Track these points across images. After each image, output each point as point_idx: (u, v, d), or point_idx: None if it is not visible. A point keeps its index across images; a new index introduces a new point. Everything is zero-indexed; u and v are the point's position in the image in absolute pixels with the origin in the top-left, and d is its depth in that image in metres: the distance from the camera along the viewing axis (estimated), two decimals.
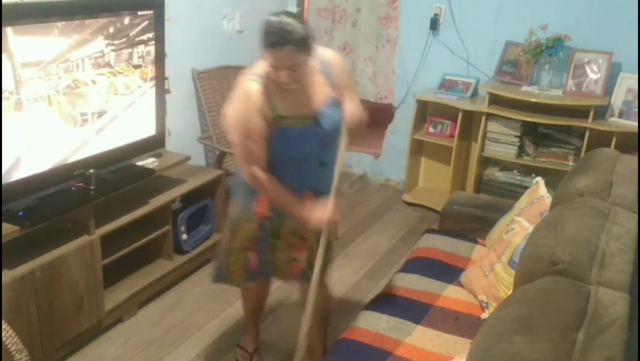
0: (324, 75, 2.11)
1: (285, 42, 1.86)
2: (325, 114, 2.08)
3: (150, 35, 2.85)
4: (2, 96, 2.19)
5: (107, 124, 2.73)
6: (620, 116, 3.68)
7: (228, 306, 3.05)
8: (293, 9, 4.73)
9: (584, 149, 3.67)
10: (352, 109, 2.14)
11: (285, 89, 1.98)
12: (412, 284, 2.48)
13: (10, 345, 1.79)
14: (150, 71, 2.91)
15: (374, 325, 2.19)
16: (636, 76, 3.65)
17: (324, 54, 2.14)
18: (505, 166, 4.12)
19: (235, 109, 2.02)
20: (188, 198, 3.28)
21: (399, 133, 4.56)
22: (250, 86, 2.00)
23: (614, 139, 3.56)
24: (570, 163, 3.78)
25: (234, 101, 2.04)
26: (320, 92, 2.09)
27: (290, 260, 2.31)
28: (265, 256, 2.30)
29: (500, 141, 3.97)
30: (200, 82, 3.76)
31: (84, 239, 2.58)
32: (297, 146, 2.08)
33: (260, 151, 2.03)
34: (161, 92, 3.04)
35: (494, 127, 3.97)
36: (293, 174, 2.13)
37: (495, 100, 3.92)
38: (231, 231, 2.29)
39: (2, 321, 1.79)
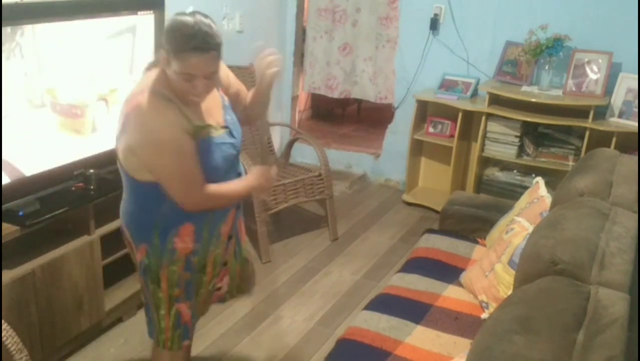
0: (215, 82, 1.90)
1: (209, 46, 1.64)
2: (230, 121, 1.90)
3: (151, 35, 2.84)
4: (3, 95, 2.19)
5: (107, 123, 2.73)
6: (620, 116, 3.68)
7: (228, 305, 3.05)
8: (293, 9, 4.73)
9: (584, 149, 3.67)
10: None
11: (189, 100, 1.74)
12: (412, 284, 2.48)
13: (10, 345, 1.79)
14: None
15: (374, 325, 2.19)
16: (636, 76, 3.65)
17: None
18: (505, 166, 4.12)
19: (155, 132, 1.70)
20: None
21: (399, 133, 4.56)
22: (157, 102, 1.70)
23: (614, 139, 3.56)
24: (570, 163, 3.78)
25: (144, 127, 1.71)
26: (216, 99, 1.89)
27: (211, 291, 2.10)
28: (195, 301, 2.03)
29: (500, 141, 3.97)
30: None
31: (84, 239, 2.58)
32: (221, 158, 1.84)
33: (197, 168, 1.77)
34: None
35: (494, 127, 3.97)
36: None
37: (495, 100, 3.92)
38: (152, 281, 1.93)
39: (2, 321, 1.79)
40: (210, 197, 1.82)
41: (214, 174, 1.81)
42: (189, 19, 1.64)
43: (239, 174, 1.95)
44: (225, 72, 1.97)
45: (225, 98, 1.94)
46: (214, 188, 1.82)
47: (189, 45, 1.61)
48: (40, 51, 2.33)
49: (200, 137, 1.77)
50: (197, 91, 1.70)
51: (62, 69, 2.46)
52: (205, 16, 1.69)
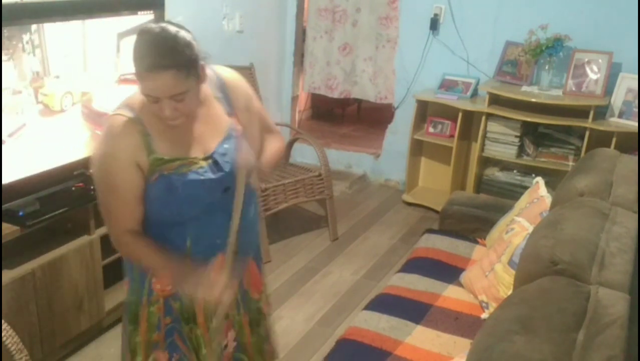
0: (221, 102, 1.63)
1: (166, 64, 1.39)
2: (223, 152, 1.59)
3: None
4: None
5: None
6: (620, 116, 3.68)
7: None
8: (293, 9, 4.73)
9: (584, 149, 3.67)
10: (247, 146, 1.61)
11: (169, 125, 1.51)
12: (412, 284, 2.48)
13: (10, 345, 1.79)
14: None
15: (374, 325, 2.19)
16: (636, 76, 3.65)
17: (220, 75, 1.67)
18: (505, 166, 4.12)
19: (97, 154, 1.54)
20: None
21: (399, 133, 4.56)
22: (117, 123, 1.51)
23: (614, 139, 3.56)
24: (570, 163, 3.77)
25: (96, 149, 1.57)
26: (217, 124, 1.61)
27: (219, 352, 1.77)
28: (186, 358, 1.74)
29: (500, 141, 3.97)
30: None
31: (84, 239, 2.58)
32: (191, 198, 1.56)
33: (127, 209, 1.56)
34: None
35: (494, 127, 3.97)
36: (195, 235, 1.62)
37: (495, 100, 3.92)
38: (130, 321, 1.73)
39: (2, 321, 1.79)
40: (129, 246, 1.61)
41: (183, 214, 1.58)
42: (151, 32, 1.42)
43: (230, 216, 1.60)
44: (239, 94, 1.68)
45: (236, 125, 1.64)
46: (140, 241, 1.59)
47: (143, 63, 1.40)
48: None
49: (162, 171, 1.53)
50: (164, 114, 1.46)
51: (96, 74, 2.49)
52: (180, 27, 1.46)
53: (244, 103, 1.68)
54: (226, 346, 1.79)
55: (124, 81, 2.70)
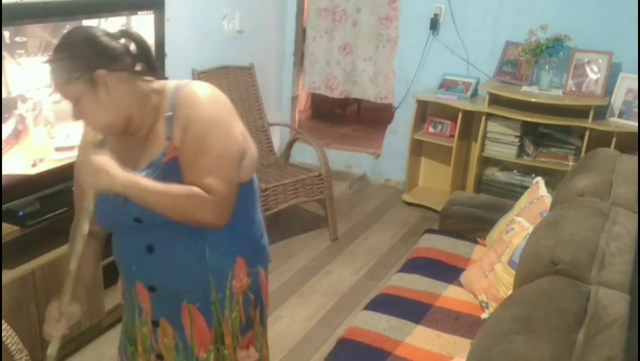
0: (167, 122, 1.41)
1: (49, 61, 1.34)
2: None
3: (150, 35, 2.84)
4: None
5: None
6: (620, 116, 3.68)
7: None
8: (293, 9, 4.73)
9: (584, 149, 3.67)
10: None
11: (122, 136, 1.43)
12: (412, 284, 2.48)
13: (10, 345, 1.79)
14: None
15: (374, 325, 2.19)
16: (636, 76, 3.65)
17: (179, 92, 1.41)
18: (505, 166, 4.12)
19: None
20: None
21: (399, 133, 4.56)
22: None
23: (614, 139, 3.56)
24: (570, 163, 3.77)
25: None
26: (151, 147, 1.43)
27: None
28: None
29: (500, 141, 3.97)
30: None
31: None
32: (103, 215, 1.46)
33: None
34: None
35: (494, 127, 3.97)
36: (118, 252, 1.56)
37: (495, 100, 3.92)
38: (129, 339, 1.66)
39: (2, 321, 1.79)
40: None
41: (104, 227, 1.55)
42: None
43: (148, 249, 1.47)
44: (187, 120, 1.39)
45: (169, 152, 1.40)
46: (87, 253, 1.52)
47: None
48: None
49: None
50: (74, 116, 1.38)
51: None
52: (106, 32, 1.36)
53: (182, 127, 1.39)
54: None
55: None
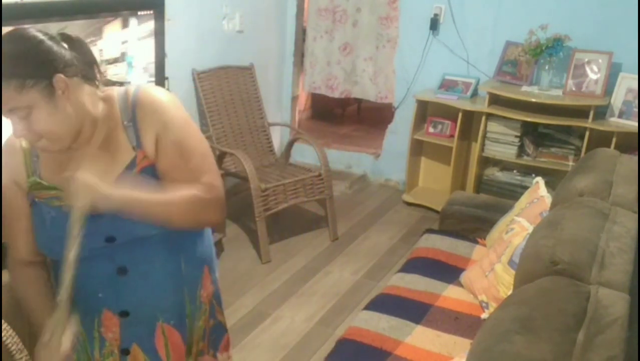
0: (128, 131, 1.34)
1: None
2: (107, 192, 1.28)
3: (150, 35, 2.84)
4: None
5: None
6: (620, 116, 3.68)
7: (229, 305, 3.05)
8: (293, 9, 4.73)
9: (584, 149, 3.67)
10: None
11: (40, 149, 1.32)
12: (412, 284, 2.48)
13: (10, 345, 1.79)
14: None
15: (374, 325, 2.19)
16: (636, 76, 3.65)
17: (137, 98, 1.35)
18: (505, 166, 4.12)
19: None
20: None
21: (399, 133, 4.56)
22: (7, 141, 1.38)
23: (614, 139, 3.56)
24: (570, 163, 3.78)
25: None
26: (114, 158, 1.34)
27: None
28: None
29: (500, 141, 3.97)
30: (200, 82, 3.76)
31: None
32: (59, 239, 1.28)
33: (11, 233, 1.41)
34: None
35: (494, 127, 3.97)
36: (78, 281, 1.32)
37: (495, 100, 3.92)
38: None
39: (2, 321, 1.79)
40: (15, 280, 1.47)
41: (55, 254, 1.36)
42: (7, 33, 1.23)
43: (120, 270, 1.38)
44: (153, 122, 1.33)
45: (140, 162, 1.33)
46: (25, 277, 1.46)
47: None
48: None
49: (36, 196, 1.36)
50: (16, 132, 1.25)
51: None
52: (46, 34, 1.25)
53: (154, 134, 1.33)
54: None
55: None
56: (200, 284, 1.52)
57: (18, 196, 1.37)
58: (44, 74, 1.21)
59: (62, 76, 1.23)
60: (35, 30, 1.26)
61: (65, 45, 1.29)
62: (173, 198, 1.32)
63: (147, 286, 1.40)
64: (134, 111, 1.34)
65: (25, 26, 1.26)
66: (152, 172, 1.34)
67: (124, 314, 1.42)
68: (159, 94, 1.37)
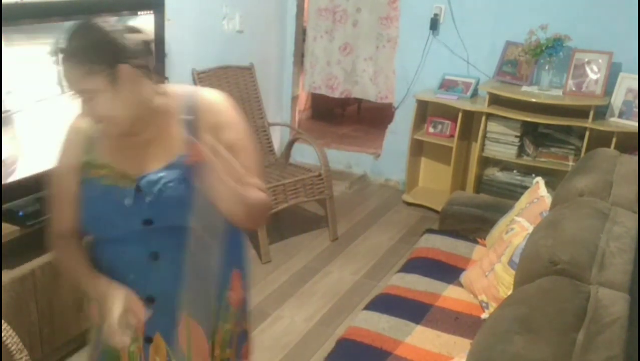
0: (186, 125, 1.40)
1: (64, 52, 1.27)
2: (155, 179, 1.36)
3: (150, 35, 2.85)
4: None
5: None
6: (620, 116, 3.68)
7: None
8: (293, 9, 4.73)
9: (584, 149, 3.67)
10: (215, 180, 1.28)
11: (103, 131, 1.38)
12: (412, 284, 2.48)
13: (10, 345, 1.79)
14: None
15: (374, 325, 2.19)
16: (636, 76, 3.65)
17: (197, 96, 1.44)
18: (505, 166, 4.12)
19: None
20: None
21: (399, 133, 4.56)
22: (73, 120, 1.46)
23: (614, 139, 3.56)
24: (570, 163, 3.78)
25: None
26: (166, 147, 1.40)
27: None
28: None
29: (500, 141, 3.97)
30: (200, 82, 3.76)
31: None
32: (99, 217, 1.41)
33: (59, 209, 1.50)
34: None
35: (494, 127, 3.97)
36: (111, 261, 1.43)
37: (495, 100, 3.92)
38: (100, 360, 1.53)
39: (2, 321, 1.79)
40: (58, 253, 1.53)
41: (94, 231, 1.46)
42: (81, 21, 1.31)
43: (153, 256, 1.42)
44: (213, 122, 1.41)
45: (192, 155, 1.32)
46: (70, 251, 1.50)
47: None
48: None
49: (86, 175, 1.42)
50: (82, 111, 1.33)
51: None
52: (121, 26, 1.32)
53: (211, 133, 1.36)
54: None
55: None
56: (228, 284, 1.54)
57: (69, 174, 1.44)
58: (110, 62, 1.27)
59: (126, 65, 1.29)
60: (104, 21, 1.33)
61: (133, 37, 1.34)
62: (250, 193, 1.36)
63: (174, 274, 1.42)
64: (193, 108, 1.41)
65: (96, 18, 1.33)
66: (197, 170, 1.32)
67: (149, 300, 1.43)
68: (217, 96, 1.46)
